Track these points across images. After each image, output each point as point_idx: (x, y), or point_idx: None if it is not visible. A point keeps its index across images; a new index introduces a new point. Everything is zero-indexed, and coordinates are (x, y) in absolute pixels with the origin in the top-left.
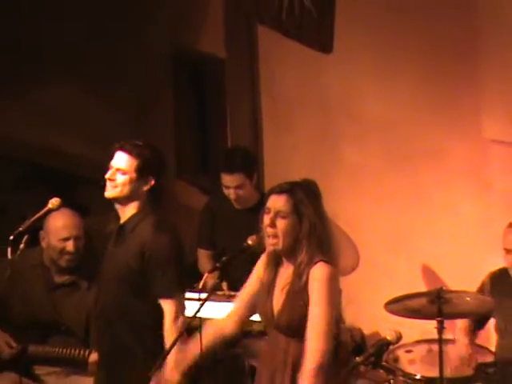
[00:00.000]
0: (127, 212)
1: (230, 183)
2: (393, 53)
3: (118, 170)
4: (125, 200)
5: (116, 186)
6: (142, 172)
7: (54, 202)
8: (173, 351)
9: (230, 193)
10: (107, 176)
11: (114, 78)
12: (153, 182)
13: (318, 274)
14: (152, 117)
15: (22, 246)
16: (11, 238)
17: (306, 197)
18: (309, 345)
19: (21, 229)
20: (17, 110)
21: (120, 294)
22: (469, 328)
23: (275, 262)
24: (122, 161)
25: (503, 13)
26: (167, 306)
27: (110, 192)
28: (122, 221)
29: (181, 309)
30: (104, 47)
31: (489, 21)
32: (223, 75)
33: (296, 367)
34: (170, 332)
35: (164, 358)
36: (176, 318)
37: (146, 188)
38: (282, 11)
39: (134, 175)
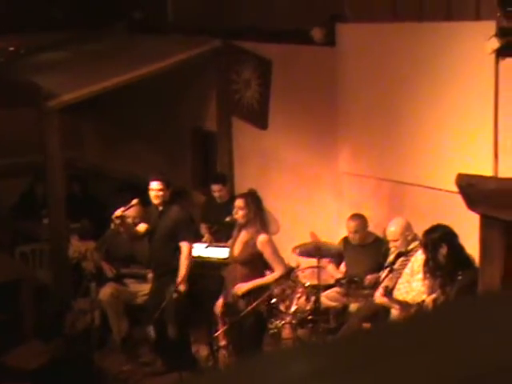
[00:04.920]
0: (163, 205)
1: (215, 189)
2: (294, 126)
3: (158, 189)
4: (164, 202)
5: (158, 197)
6: (165, 187)
7: (134, 201)
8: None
9: (216, 194)
10: (154, 194)
11: (163, 140)
12: (170, 190)
13: (263, 240)
14: (181, 161)
15: (117, 222)
16: (113, 217)
17: (251, 199)
18: (275, 268)
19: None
20: (116, 154)
21: (165, 240)
22: (334, 266)
23: (239, 229)
24: (157, 185)
25: (353, 93)
26: (183, 246)
27: (156, 201)
28: (160, 208)
29: (190, 249)
30: (159, 124)
31: (343, 103)
32: (215, 141)
33: (244, 279)
34: (183, 260)
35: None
36: (189, 254)
37: (167, 194)
38: (243, 109)
39: (164, 190)
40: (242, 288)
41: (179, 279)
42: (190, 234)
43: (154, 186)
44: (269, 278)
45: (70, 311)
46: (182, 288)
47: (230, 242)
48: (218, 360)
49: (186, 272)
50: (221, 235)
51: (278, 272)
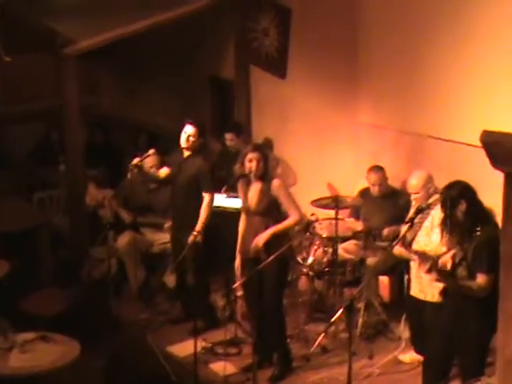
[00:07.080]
0: (190, 151)
1: (228, 137)
2: (313, 75)
3: (190, 135)
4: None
5: (188, 142)
6: (198, 135)
7: (151, 151)
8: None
9: (228, 143)
10: (184, 138)
11: (181, 87)
12: (201, 140)
13: (277, 184)
14: (198, 109)
15: (135, 171)
16: (130, 166)
17: (265, 150)
18: (291, 214)
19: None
20: (132, 102)
21: (187, 189)
22: (354, 219)
23: (247, 183)
24: (190, 129)
25: (375, 40)
26: (206, 196)
27: (185, 145)
28: (186, 154)
29: (211, 199)
30: (176, 72)
31: (364, 52)
32: (232, 87)
33: (265, 229)
34: (205, 209)
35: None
36: (209, 203)
37: (197, 142)
38: (262, 57)
39: (196, 136)
40: (261, 239)
41: (198, 227)
42: (212, 185)
43: (188, 129)
44: (286, 223)
45: (87, 259)
46: (200, 236)
47: (239, 194)
48: (234, 311)
49: (206, 220)
50: (235, 186)
51: (294, 216)
